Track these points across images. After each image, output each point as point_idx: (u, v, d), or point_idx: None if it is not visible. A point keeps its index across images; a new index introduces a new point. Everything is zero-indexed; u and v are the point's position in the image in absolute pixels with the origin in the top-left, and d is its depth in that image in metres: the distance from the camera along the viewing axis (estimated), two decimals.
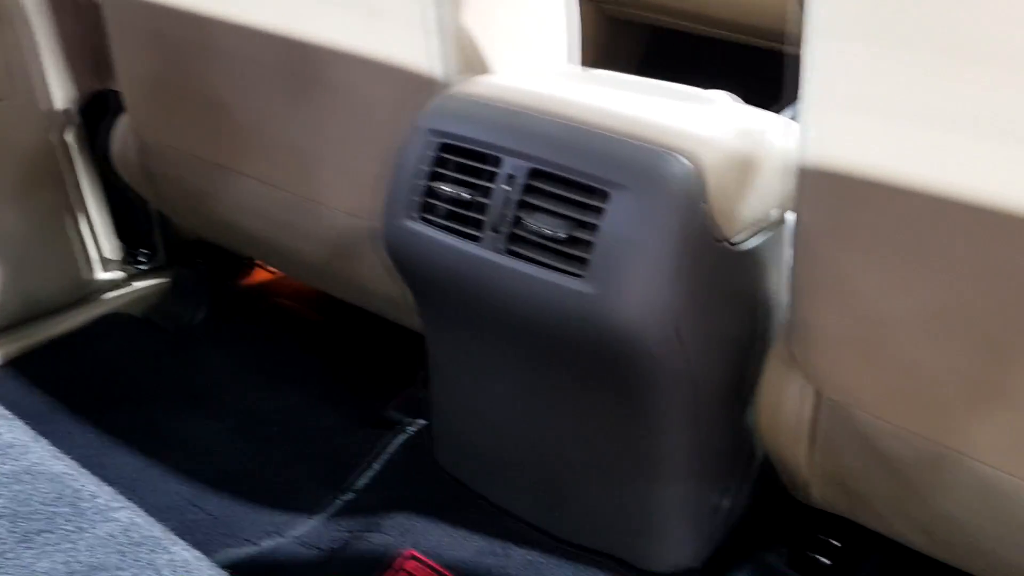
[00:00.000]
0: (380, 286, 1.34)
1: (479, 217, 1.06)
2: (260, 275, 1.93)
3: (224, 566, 1.02)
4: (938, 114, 0.78)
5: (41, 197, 1.64)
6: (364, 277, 1.39)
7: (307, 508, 1.33)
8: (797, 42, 0.83)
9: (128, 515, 1.01)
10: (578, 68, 1.25)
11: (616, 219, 0.96)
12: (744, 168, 0.99)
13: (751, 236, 1.02)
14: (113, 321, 1.73)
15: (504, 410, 1.24)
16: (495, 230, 1.04)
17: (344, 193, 1.33)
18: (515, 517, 1.29)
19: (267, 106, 1.34)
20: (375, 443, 1.44)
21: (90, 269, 1.74)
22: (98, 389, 1.58)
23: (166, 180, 1.59)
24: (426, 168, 1.10)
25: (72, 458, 1.12)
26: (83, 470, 1.08)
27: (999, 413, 0.87)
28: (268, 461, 1.43)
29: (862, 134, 0.83)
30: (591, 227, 0.98)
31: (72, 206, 1.69)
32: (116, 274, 1.78)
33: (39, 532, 0.99)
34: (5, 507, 1.01)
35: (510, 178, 1.03)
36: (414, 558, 1.23)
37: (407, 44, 1.13)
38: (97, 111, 1.65)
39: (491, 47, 1.17)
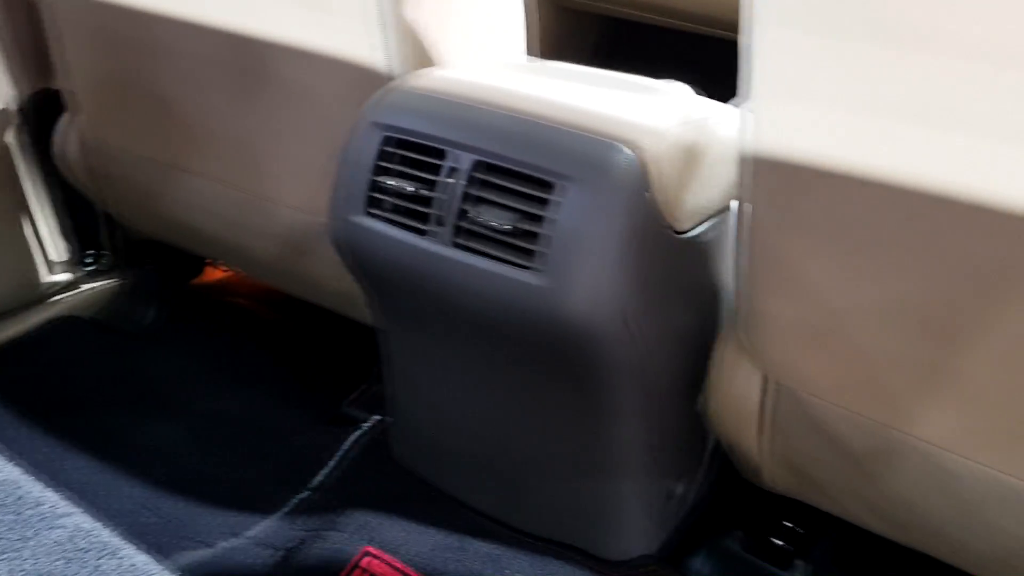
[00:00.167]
0: (333, 282, 1.33)
1: (425, 210, 1.05)
2: (213, 274, 1.91)
3: (179, 569, 1.00)
4: (882, 102, 0.78)
5: None
6: (317, 273, 1.38)
7: (264, 508, 1.32)
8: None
9: (75, 521, 0.99)
10: (531, 60, 1.25)
11: (562, 210, 0.96)
12: (689, 157, 0.99)
13: (698, 225, 1.03)
14: (64, 324, 1.71)
15: (460, 404, 1.24)
16: (440, 223, 1.03)
17: (295, 189, 1.31)
18: (474, 511, 1.29)
19: (217, 103, 1.32)
20: (332, 440, 1.43)
21: (39, 272, 1.71)
22: (49, 393, 1.55)
23: (113, 180, 1.56)
24: (370, 162, 1.09)
25: (23, 465, 1.10)
26: (29, 477, 1.07)
27: (947, 397, 0.88)
28: (224, 462, 1.42)
29: (807, 122, 0.83)
30: (538, 219, 0.98)
31: (18, 207, 1.66)
32: (66, 276, 1.75)
33: None
34: None
35: (453, 170, 1.02)
36: (372, 555, 1.23)
37: (355, 38, 1.13)
38: (42, 110, 1.62)
39: (443, 40, 1.16)
